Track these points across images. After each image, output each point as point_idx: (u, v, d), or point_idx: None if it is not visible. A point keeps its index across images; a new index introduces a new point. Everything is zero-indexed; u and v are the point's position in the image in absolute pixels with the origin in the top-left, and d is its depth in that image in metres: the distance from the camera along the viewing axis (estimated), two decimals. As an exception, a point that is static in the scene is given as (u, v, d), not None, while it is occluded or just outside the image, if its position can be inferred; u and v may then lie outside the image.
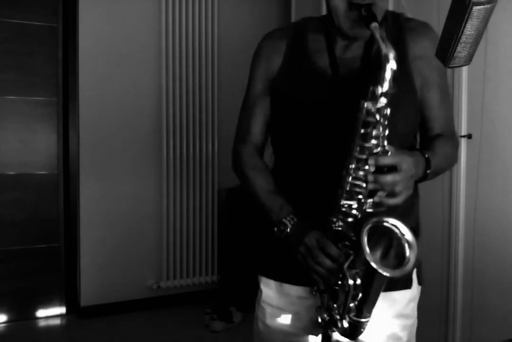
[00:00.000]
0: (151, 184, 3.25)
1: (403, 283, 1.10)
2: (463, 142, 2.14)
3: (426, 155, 0.98)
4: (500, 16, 1.91)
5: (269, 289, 1.17)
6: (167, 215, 3.26)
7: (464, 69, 2.11)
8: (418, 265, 1.13)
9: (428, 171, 0.98)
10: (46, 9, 3.04)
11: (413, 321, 1.14)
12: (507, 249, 1.98)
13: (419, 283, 1.15)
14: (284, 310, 1.15)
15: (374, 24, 0.90)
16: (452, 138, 1.13)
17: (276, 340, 1.17)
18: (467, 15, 0.95)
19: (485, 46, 1.96)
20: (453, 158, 1.14)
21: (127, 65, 3.16)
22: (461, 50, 1.04)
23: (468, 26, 0.98)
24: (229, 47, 3.40)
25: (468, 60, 1.10)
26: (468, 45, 1.02)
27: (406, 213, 1.07)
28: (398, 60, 0.92)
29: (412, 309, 1.13)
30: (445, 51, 1.09)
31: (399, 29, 1.09)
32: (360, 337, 1.06)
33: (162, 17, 3.18)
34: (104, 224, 3.13)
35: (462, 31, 0.99)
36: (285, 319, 1.15)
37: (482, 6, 0.93)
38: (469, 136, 2.12)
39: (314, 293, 1.04)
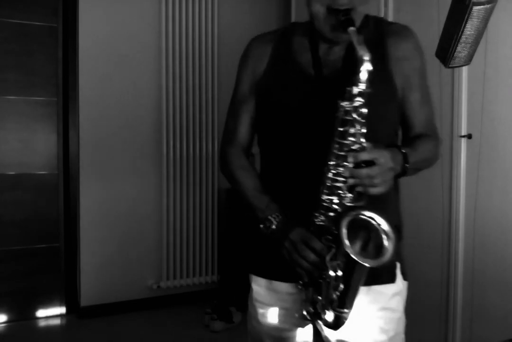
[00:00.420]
0: (151, 183, 3.25)
1: (386, 277, 1.13)
2: (463, 142, 2.14)
3: (403, 151, 1.02)
4: (500, 16, 1.91)
5: (259, 287, 1.21)
6: (167, 215, 3.26)
7: (464, 69, 2.11)
8: (401, 260, 1.17)
9: (406, 165, 1.02)
10: (46, 9, 3.04)
11: (399, 315, 1.16)
12: (507, 249, 1.98)
13: (404, 278, 1.17)
14: (274, 307, 1.18)
15: (352, 28, 0.95)
16: (434, 137, 1.17)
17: (268, 336, 1.20)
18: (467, 15, 0.95)
19: (485, 46, 1.96)
20: (434, 156, 1.18)
21: (127, 65, 3.16)
22: (461, 50, 1.04)
23: (468, 26, 0.98)
24: (229, 47, 3.40)
25: (468, 60, 1.10)
26: (468, 45, 1.02)
27: (388, 211, 1.10)
28: (379, 61, 0.97)
29: (397, 303, 1.15)
30: (445, 51, 1.09)
31: (381, 33, 1.13)
32: (347, 331, 1.10)
33: (162, 17, 3.18)
34: (104, 224, 3.13)
35: (462, 31, 0.99)
36: (275, 315, 1.19)
37: (482, 6, 0.94)
38: (469, 136, 2.12)
39: (299, 287, 1.07)
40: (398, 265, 1.15)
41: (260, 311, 1.20)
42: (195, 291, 3.39)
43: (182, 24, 3.24)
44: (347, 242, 0.91)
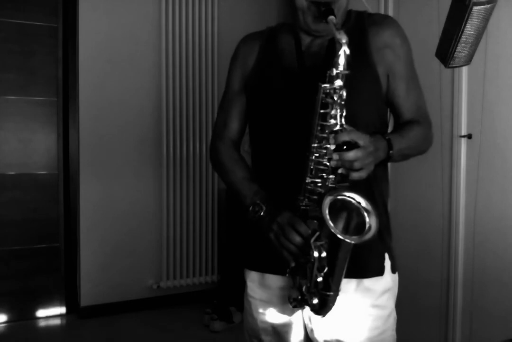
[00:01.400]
0: (151, 183, 3.24)
1: (375, 270, 1.14)
2: (463, 142, 2.14)
3: (387, 137, 1.05)
4: (500, 16, 1.91)
5: (252, 283, 1.23)
6: (167, 215, 3.26)
7: (464, 69, 2.11)
8: (390, 251, 1.17)
9: (390, 152, 1.04)
10: (46, 9, 3.04)
11: (389, 311, 1.16)
12: (507, 249, 1.98)
13: (393, 271, 1.17)
14: (267, 302, 1.20)
15: (331, 17, 1.00)
16: (423, 122, 1.18)
17: (264, 331, 1.22)
18: (467, 15, 0.96)
19: (485, 46, 1.96)
20: (425, 142, 1.19)
21: (127, 65, 3.16)
22: (461, 50, 1.04)
23: (468, 26, 0.98)
24: (229, 47, 3.38)
25: (468, 60, 1.10)
26: (468, 45, 1.02)
27: (375, 198, 1.12)
28: (361, 52, 1.01)
29: (387, 300, 1.16)
30: (445, 51, 1.09)
31: (362, 24, 1.16)
32: (335, 328, 1.12)
33: (162, 17, 3.18)
34: (104, 224, 3.13)
35: (462, 31, 0.99)
36: (269, 311, 1.20)
37: (482, 6, 0.94)
38: (469, 136, 2.12)
39: (287, 275, 1.08)
40: (386, 256, 1.16)
41: (254, 306, 1.22)
42: (195, 291, 3.39)
43: (182, 24, 3.24)
44: (330, 221, 0.92)
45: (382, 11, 2.51)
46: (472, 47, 1.04)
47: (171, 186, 3.26)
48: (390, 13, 2.47)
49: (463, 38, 1.00)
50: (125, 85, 3.15)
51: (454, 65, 1.10)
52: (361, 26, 1.15)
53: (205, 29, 3.32)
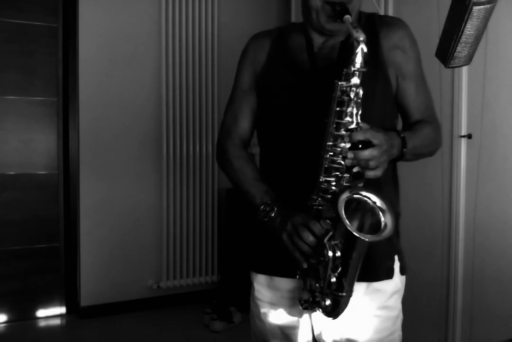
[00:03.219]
0: (151, 183, 3.25)
1: (385, 273, 1.13)
2: (463, 142, 2.14)
3: (402, 135, 1.04)
4: (500, 16, 1.91)
5: (260, 285, 1.22)
6: (167, 214, 3.26)
7: (464, 69, 2.11)
8: (399, 253, 1.17)
9: (404, 149, 1.04)
10: (46, 9, 3.04)
11: (397, 313, 1.16)
12: (507, 249, 1.98)
13: (402, 272, 1.17)
14: (275, 305, 1.19)
15: (347, 16, 1.00)
16: (432, 122, 1.18)
17: (272, 334, 1.20)
18: (467, 15, 0.96)
19: (485, 46, 1.96)
20: (435, 142, 1.19)
21: (127, 65, 3.16)
22: (461, 50, 1.04)
23: (468, 26, 0.98)
24: (229, 47, 3.40)
25: (468, 60, 1.10)
26: (468, 45, 1.02)
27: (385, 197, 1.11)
28: (372, 53, 1.01)
29: (395, 301, 1.16)
30: (445, 51, 1.09)
31: (373, 25, 1.16)
32: (344, 330, 1.11)
33: (162, 17, 3.18)
34: (104, 224, 3.13)
35: (462, 31, 0.99)
36: (277, 314, 1.19)
37: (482, 6, 0.94)
38: (469, 136, 2.12)
39: (297, 277, 1.07)
40: (396, 259, 1.16)
41: (262, 309, 1.21)
42: (195, 291, 3.39)
43: (182, 24, 3.24)
44: (346, 219, 0.91)
45: (382, 11, 2.51)
46: (472, 47, 1.04)
47: (171, 186, 3.26)
48: (390, 13, 2.47)
49: (463, 38, 1.00)
50: (125, 85, 3.15)
51: (454, 65, 1.10)
52: (371, 28, 1.15)
53: (205, 29, 3.32)
